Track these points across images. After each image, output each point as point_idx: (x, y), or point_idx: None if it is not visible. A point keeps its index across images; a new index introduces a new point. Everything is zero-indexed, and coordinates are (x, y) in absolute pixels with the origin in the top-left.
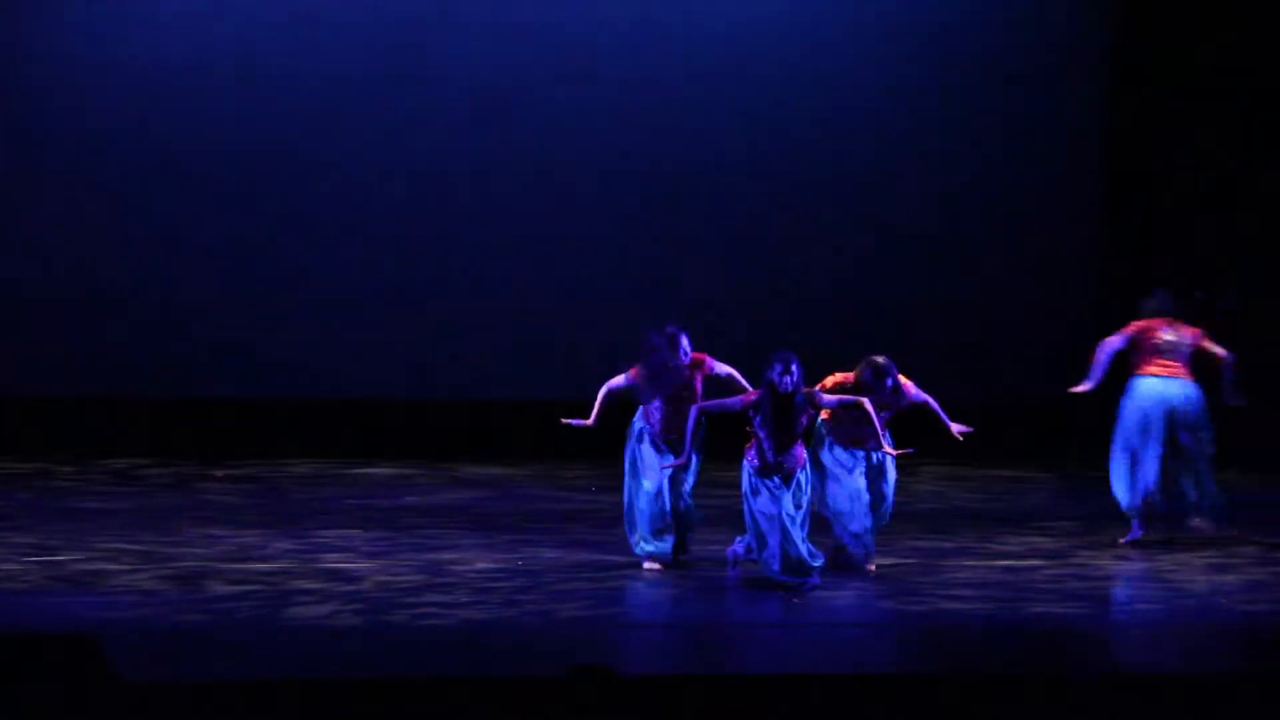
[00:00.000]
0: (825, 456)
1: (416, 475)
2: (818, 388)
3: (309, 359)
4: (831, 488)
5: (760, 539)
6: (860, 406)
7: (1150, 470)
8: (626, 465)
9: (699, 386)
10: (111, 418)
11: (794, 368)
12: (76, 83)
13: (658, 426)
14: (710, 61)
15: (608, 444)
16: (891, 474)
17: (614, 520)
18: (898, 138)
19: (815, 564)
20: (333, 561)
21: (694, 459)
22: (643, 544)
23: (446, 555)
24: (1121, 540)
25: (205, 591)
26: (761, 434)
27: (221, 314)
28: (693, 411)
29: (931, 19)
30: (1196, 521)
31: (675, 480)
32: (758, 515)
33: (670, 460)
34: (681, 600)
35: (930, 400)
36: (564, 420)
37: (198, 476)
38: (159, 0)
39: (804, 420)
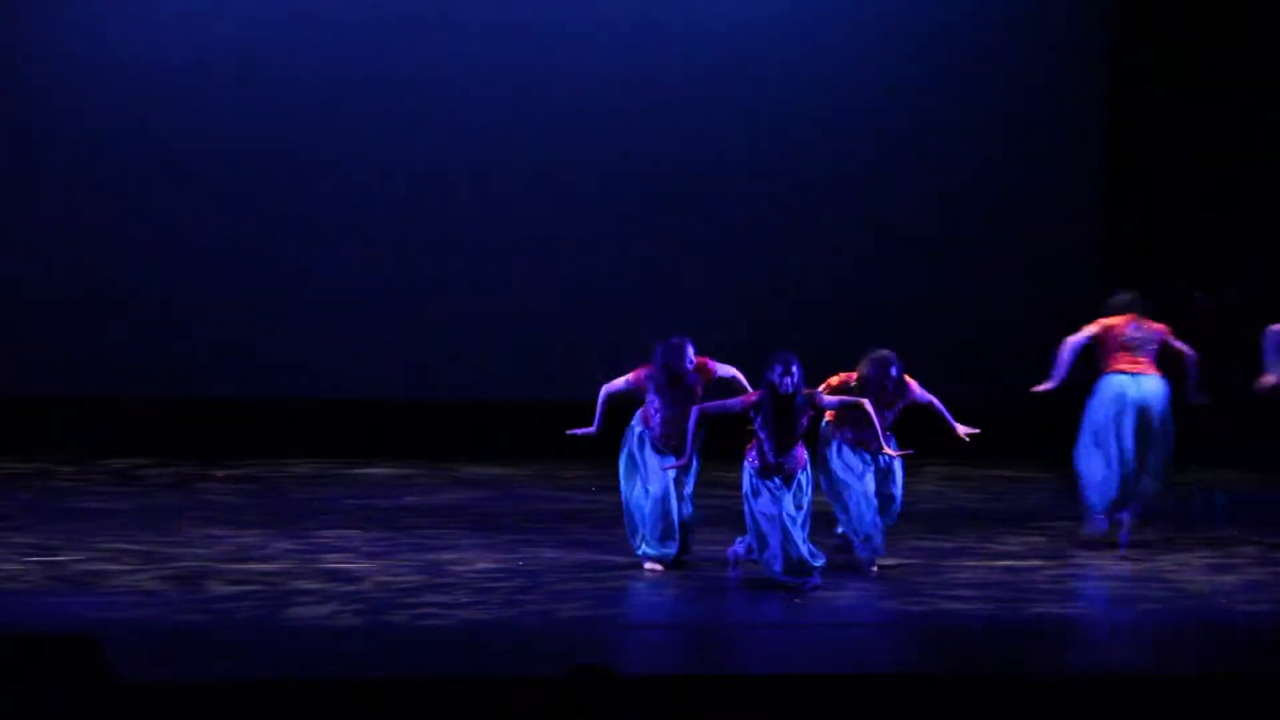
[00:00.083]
0: (834, 460)
1: (416, 475)
2: (821, 388)
3: (309, 359)
4: (840, 490)
5: (761, 540)
6: (860, 408)
7: (1115, 469)
8: (622, 468)
9: (700, 391)
10: (111, 418)
11: (794, 369)
12: (76, 83)
13: (659, 431)
14: (710, 61)
15: (608, 444)
16: (900, 475)
17: (614, 520)
18: (898, 138)
19: (816, 564)
20: (333, 561)
21: (694, 461)
22: (645, 547)
23: (446, 555)
24: (1083, 531)
25: (205, 591)
26: (762, 435)
27: (221, 314)
28: (693, 413)
29: (931, 19)
30: (1146, 524)
31: (677, 483)
32: (758, 516)
33: (671, 461)
34: (681, 600)
35: (935, 401)
36: (568, 431)
37: (198, 476)
38: (159, 0)
39: (804, 421)
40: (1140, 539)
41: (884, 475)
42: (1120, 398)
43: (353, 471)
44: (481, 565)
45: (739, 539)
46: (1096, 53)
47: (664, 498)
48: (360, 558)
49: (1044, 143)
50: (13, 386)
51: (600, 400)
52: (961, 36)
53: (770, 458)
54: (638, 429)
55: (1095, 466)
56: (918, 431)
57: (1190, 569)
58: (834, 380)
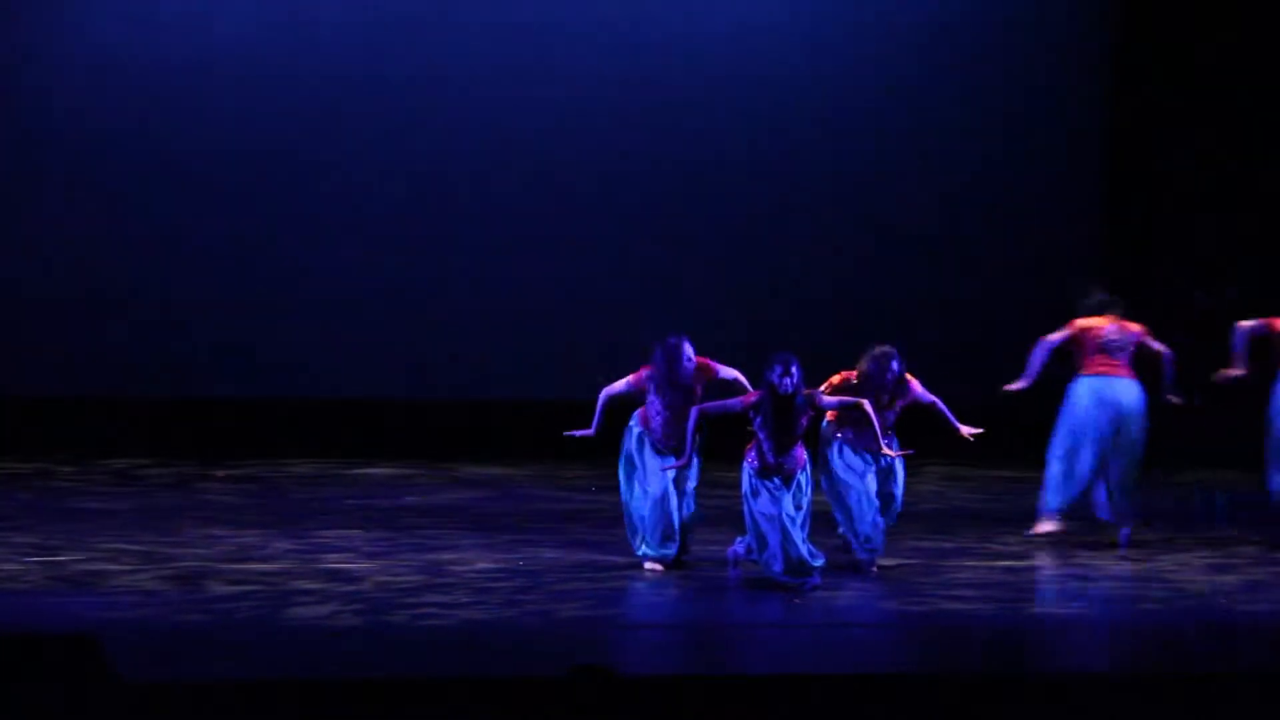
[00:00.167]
0: (835, 460)
1: (416, 475)
2: (823, 387)
3: (309, 359)
4: (842, 490)
5: (761, 540)
6: (860, 408)
7: (1084, 473)
8: (622, 470)
9: (700, 391)
10: (111, 418)
11: (794, 369)
12: (76, 83)
13: (659, 432)
14: (710, 61)
15: (608, 444)
16: (901, 475)
17: (614, 520)
18: (898, 138)
19: (816, 564)
20: (333, 561)
21: (695, 461)
22: (645, 548)
23: (446, 555)
24: (1028, 533)
25: (205, 591)
26: (761, 435)
27: (221, 314)
28: (693, 414)
29: (931, 19)
30: (1123, 530)
31: (678, 483)
32: (758, 516)
33: (671, 461)
34: (681, 600)
35: (938, 401)
36: (566, 433)
37: (198, 476)
38: (159, 0)
39: (804, 422)
40: (1140, 539)
41: (885, 475)
42: (1097, 402)
43: (353, 471)
44: (481, 565)
45: (738, 539)
46: (1096, 53)
47: (663, 499)
48: (360, 558)
49: (1044, 143)
50: (13, 386)
51: (600, 402)
52: (961, 36)
53: (770, 458)
54: (636, 430)
55: (1063, 468)
56: (919, 431)
57: (1190, 569)
58: (835, 379)
